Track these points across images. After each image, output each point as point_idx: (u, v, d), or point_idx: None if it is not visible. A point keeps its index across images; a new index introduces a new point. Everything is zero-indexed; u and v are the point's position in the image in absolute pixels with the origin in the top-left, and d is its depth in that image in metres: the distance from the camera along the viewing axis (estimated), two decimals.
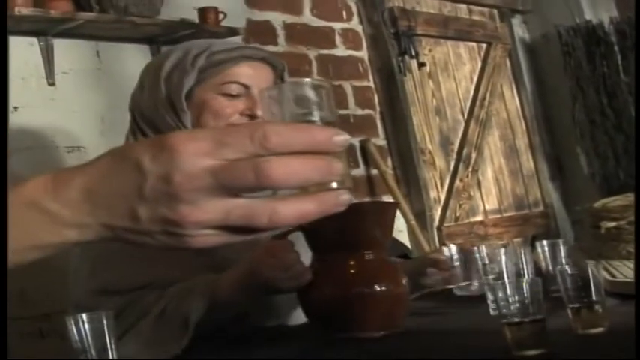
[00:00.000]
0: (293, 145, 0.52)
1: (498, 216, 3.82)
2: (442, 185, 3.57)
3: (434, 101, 3.62)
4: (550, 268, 1.19)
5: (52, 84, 2.33)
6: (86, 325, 0.98)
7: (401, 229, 3.22)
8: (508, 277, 1.15)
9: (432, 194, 3.47)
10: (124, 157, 0.55)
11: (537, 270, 1.25)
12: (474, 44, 3.91)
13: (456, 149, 3.67)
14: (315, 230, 1.17)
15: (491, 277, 1.21)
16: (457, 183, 3.60)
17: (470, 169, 3.67)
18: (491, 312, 1.06)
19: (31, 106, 2.28)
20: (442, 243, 3.38)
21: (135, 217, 0.54)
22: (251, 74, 1.51)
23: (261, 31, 2.99)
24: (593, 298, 0.90)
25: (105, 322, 0.99)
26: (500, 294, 0.96)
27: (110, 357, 0.98)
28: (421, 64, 3.48)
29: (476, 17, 4.01)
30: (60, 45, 2.35)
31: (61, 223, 0.56)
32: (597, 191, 3.79)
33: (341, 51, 3.32)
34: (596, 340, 0.89)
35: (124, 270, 1.36)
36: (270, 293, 1.26)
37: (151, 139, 0.55)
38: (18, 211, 0.57)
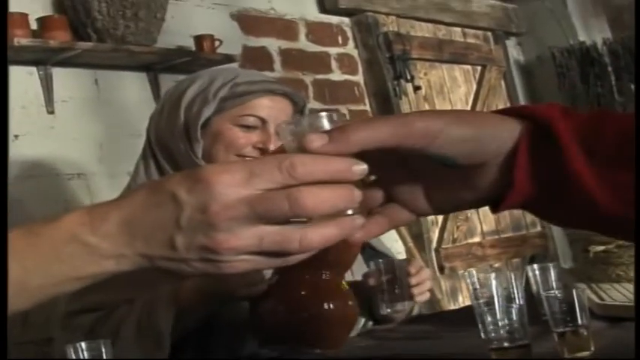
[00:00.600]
0: (317, 174, 0.57)
1: (496, 237, 3.84)
2: None
3: None
4: (541, 291, 1.21)
5: (51, 112, 2.36)
6: (85, 354, 1.00)
7: (399, 252, 3.23)
8: (498, 302, 1.17)
9: (429, 216, 3.49)
10: (159, 190, 0.59)
11: (529, 294, 1.27)
12: (468, 67, 3.96)
13: None
14: None
15: (481, 301, 1.22)
16: None
17: None
18: (482, 336, 1.07)
19: (31, 135, 2.31)
20: (440, 267, 3.40)
21: (173, 245, 0.58)
22: (271, 108, 1.52)
23: (257, 57, 3.03)
24: (579, 322, 0.92)
25: (103, 349, 1.01)
26: (489, 319, 0.98)
27: None
28: (416, 88, 3.51)
29: (470, 40, 4.06)
30: (59, 74, 2.39)
31: (100, 255, 0.60)
32: None
33: (337, 75, 3.36)
34: None
35: (107, 291, 1.37)
36: (227, 300, 1.29)
37: (184, 172, 0.59)
38: (58, 246, 0.60)
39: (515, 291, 1.23)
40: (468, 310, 1.29)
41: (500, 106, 4.03)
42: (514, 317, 0.97)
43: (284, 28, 3.18)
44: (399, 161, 0.66)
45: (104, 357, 1.01)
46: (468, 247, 3.63)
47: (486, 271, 1.26)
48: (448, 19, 3.90)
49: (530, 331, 0.96)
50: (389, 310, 1.45)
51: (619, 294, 1.22)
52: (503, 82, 4.11)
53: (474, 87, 3.95)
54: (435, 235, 3.50)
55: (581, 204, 0.61)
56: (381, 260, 1.48)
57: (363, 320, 1.56)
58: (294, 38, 3.22)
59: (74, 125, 2.42)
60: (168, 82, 2.50)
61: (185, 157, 1.50)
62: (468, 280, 1.30)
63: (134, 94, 2.58)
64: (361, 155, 0.59)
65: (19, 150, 2.24)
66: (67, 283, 0.62)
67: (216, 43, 2.69)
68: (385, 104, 3.44)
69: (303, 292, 1.21)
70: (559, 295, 0.95)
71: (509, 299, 1.22)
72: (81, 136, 2.43)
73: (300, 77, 3.18)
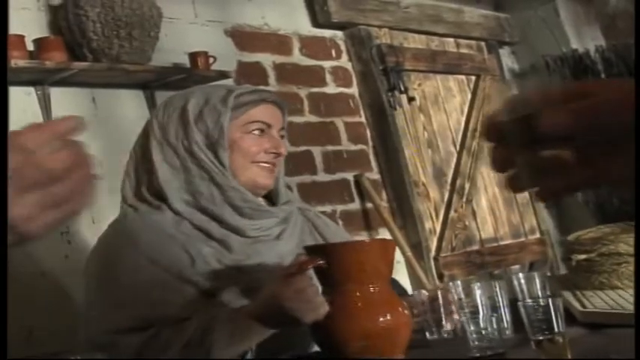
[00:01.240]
0: None
1: (495, 244, 3.85)
2: (437, 216, 3.61)
3: (425, 134, 3.68)
4: (519, 300, 1.24)
5: None
6: None
7: (398, 260, 3.26)
8: (483, 311, 1.20)
9: (428, 225, 3.52)
10: None
11: (514, 302, 1.29)
12: (463, 77, 3.98)
13: (449, 180, 3.73)
14: (326, 267, 1.27)
15: (467, 310, 1.25)
16: (452, 213, 3.64)
17: (464, 199, 3.72)
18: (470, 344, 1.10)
19: None
20: (440, 275, 3.42)
21: None
22: (270, 114, 1.63)
23: (252, 73, 3.06)
24: (555, 329, 0.94)
25: None
26: (472, 327, 1.01)
27: None
28: (411, 99, 3.54)
29: (464, 50, 4.09)
30: (56, 93, 2.42)
31: None
32: (592, 218, 3.83)
33: (331, 88, 3.39)
34: None
35: (135, 309, 1.40)
36: (290, 325, 1.29)
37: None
38: None
39: (500, 299, 1.26)
40: None
41: None
42: (495, 326, 1.00)
43: (278, 43, 3.22)
44: None
45: None
46: (467, 255, 3.64)
47: (469, 281, 1.30)
48: (441, 30, 3.93)
49: (511, 339, 0.99)
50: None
51: (601, 301, 1.24)
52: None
53: (469, 96, 3.98)
54: (433, 244, 3.52)
55: None
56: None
57: None
58: (288, 53, 3.25)
59: None
60: (164, 99, 2.52)
61: (208, 170, 1.55)
62: (453, 291, 1.33)
63: (131, 112, 2.61)
64: None
65: None
66: None
67: (211, 59, 2.73)
68: (380, 116, 3.47)
69: (359, 304, 1.25)
70: (537, 303, 0.98)
71: (494, 308, 1.26)
72: None
73: (295, 91, 3.21)
